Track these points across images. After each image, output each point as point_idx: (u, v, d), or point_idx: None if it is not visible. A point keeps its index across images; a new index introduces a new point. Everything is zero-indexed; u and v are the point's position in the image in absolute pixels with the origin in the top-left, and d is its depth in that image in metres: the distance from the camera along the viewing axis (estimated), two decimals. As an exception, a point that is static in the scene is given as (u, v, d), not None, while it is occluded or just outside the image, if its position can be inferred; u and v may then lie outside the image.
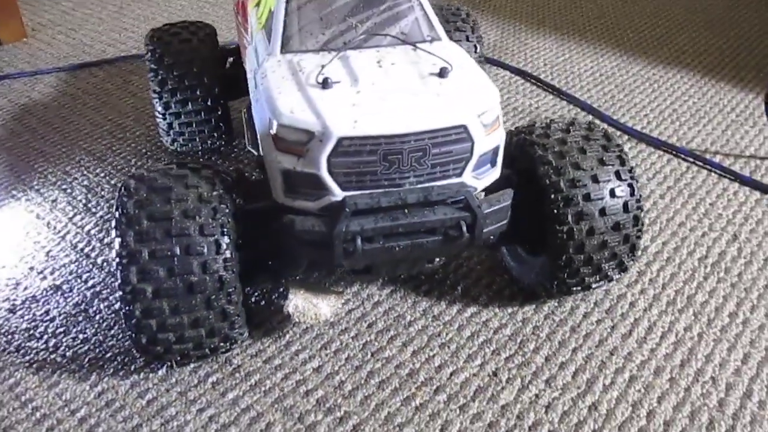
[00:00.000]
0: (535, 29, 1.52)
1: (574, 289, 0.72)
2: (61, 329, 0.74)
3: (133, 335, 0.62)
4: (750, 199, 0.95)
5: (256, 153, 0.69)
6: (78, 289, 0.79)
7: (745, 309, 0.76)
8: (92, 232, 0.88)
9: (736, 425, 0.64)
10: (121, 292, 0.60)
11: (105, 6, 1.66)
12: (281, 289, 0.79)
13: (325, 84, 0.61)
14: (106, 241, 0.87)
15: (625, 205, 0.67)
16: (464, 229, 0.63)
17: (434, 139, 0.60)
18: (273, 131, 0.61)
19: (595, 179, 0.67)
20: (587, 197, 0.67)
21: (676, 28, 1.53)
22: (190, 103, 0.95)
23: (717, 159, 1.04)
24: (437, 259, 0.71)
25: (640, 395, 0.66)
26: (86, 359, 0.70)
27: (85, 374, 0.69)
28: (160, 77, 0.94)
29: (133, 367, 0.69)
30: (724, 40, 1.46)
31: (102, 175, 1.00)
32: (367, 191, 0.61)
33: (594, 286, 0.73)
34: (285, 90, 0.62)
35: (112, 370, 0.69)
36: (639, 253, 0.72)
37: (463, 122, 0.61)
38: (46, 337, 0.73)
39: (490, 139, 0.63)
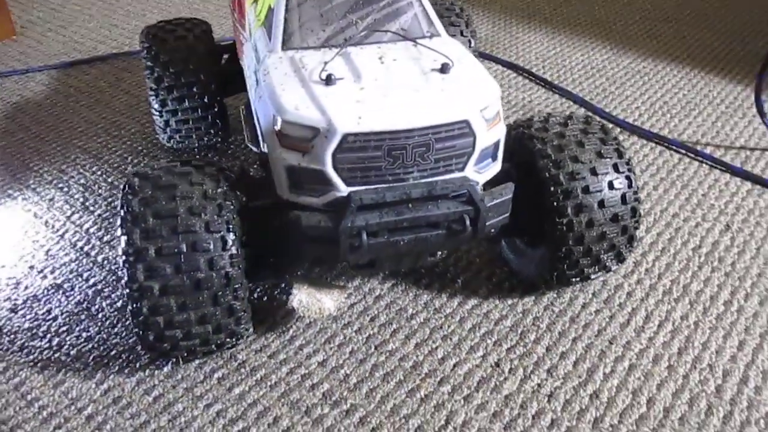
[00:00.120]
0: (526, 23, 1.53)
1: (573, 280, 0.74)
2: (64, 328, 0.74)
3: (140, 333, 0.62)
4: (741, 190, 0.96)
5: (256, 149, 0.70)
6: (79, 287, 0.79)
7: (740, 297, 0.78)
8: (91, 230, 0.88)
9: (734, 410, 0.65)
10: (128, 290, 0.60)
11: (94, 2, 1.65)
12: (284, 285, 0.79)
13: (328, 80, 0.62)
14: (105, 239, 0.87)
15: (623, 197, 0.68)
16: (467, 222, 0.64)
17: (438, 134, 0.61)
18: (277, 128, 0.61)
19: (594, 172, 0.68)
20: (586, 189, 0.68)
21: (665, 21, 1.54)
22: (186, 101, 0.95)
23: (708, 150, 1.05)
24: (439, 253, 0.71)
25: (639, 383, 0.68)
26: (91, 357, 0.71)
27: (91, 372, 0.69)
28: (156, 75, 0.94)
29: (138, 364, 0.70)
30: (713, 33, 1.48)
31: (99, 173, 1.00)
32: (372, 186, 0.62)
33: (593, 277, 0.74)
34: (288, 87, 0.62)
35: (117, 368, 0.69)
36: (636, 243, 0.74)
37: (466, 117, 0.61)
38: (49, 336, 0.73)
39: (491, 133, 0.64)
